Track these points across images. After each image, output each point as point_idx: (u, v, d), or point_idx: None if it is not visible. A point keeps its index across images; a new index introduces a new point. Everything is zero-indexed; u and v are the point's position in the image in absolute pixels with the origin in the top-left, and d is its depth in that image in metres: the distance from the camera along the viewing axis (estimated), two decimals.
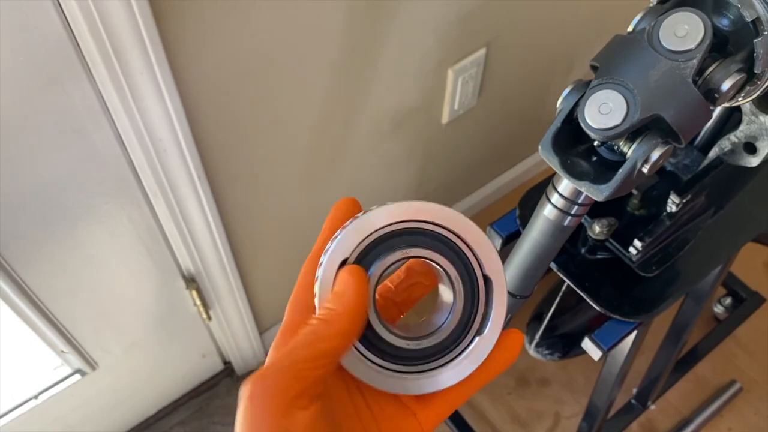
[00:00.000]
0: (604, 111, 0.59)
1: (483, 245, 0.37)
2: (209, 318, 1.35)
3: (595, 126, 0.59)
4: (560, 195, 0.67)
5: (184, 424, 1.57)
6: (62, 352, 1.15)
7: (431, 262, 0.37)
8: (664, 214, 0.85)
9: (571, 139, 0.65)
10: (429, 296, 0.42)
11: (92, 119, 0.88)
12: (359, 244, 0.36)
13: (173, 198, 1.02)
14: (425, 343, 0.36)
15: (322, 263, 0.36)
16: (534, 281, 0.76)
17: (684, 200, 0.80)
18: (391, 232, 0.36)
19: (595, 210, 0.94)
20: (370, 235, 0.36)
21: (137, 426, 1.54)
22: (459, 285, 0.37)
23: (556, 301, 1.11)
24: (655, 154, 0.59)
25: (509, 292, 0.77)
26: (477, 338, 0.37)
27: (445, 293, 0.38)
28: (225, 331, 1.42)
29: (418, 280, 0.40)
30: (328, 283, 0.35)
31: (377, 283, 0.36)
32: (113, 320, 1.20)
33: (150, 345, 1.34)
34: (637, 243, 0.85)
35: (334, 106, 1.15)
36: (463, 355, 0.37)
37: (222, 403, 1.59)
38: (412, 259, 0.36)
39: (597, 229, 0.90)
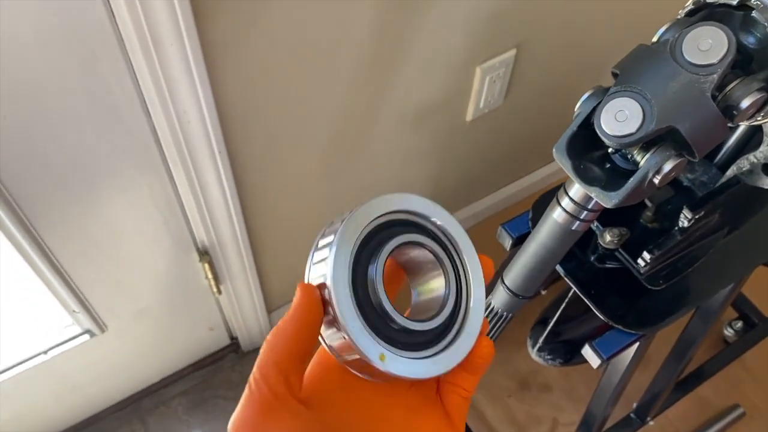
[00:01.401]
0: (620, 118, 0.59)
1: (452, 226, 0.40)
2: (219, 292, 1.37)
3: (609, 132, 0.59)
4: (570, 199, 0.68)
5: (187, 395, 1.59)
6: (74, 311, 1.18)
7: (425, 248, 0.39)
8: (676, 228, 0.85)
9: (586, 144, 0.66)
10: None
11: (121, 88, 0.89)
12: (354, 242, 0.36)
13: (193, 170, 1.04)
14: (437, 321, 0.37)
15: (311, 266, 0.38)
16: (537, 283, 0.77)
17: (697, 216, 0.80)
18: (381, 224, 0.38)
19: (608, 219, 0.94)
20: (366, 227, 0.37)
21: (140, 392, 1.57)
22: (450, 269, 0.39)
23: (562, 307, 1.11)
24: (668, 166, 0.59)
25: (512, 292, 0.78)
26: (470, 315, 0.38)
27: (434, 277, 0.39)
28: (234, 306, 1.44)
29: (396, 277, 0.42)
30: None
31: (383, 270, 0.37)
32: (125, 286, 1.23)
33: (159, 313, 1.36)
34: (646, 255, 0.85)
35: (359, 95, 1.16)
36: (465, 326, 0.38)
37: (225, 377, 1.62)
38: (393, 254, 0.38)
39: (608, 238, 0.90)
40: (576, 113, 0.65)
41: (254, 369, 0.33)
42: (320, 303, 0.35)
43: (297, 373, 0.34)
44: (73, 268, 1.10)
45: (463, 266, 0.40)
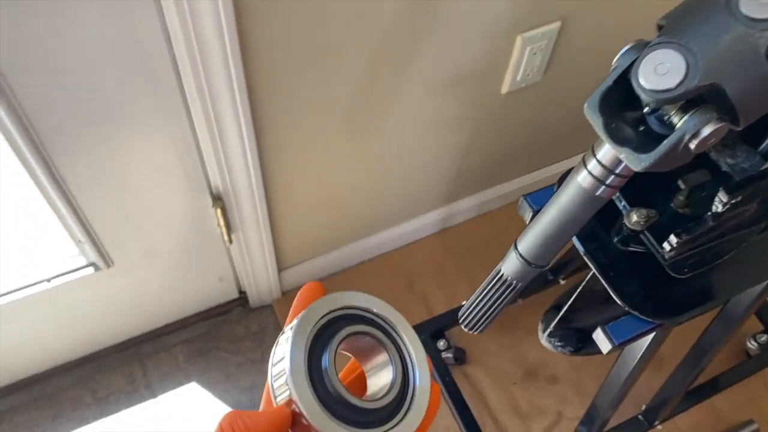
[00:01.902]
0: (660, 71, 0.54)
1: (391, 313, 0.45)
2: (230, 241, 1.34)
3: (647, 86, 0.54)
4: (598, 162, 0.63)
5: (189, 343, 1.58)
6: (79, 241, 1.16)
7: (370, 336, 0.43)
8: (709, 213, 0.79)
9: (621, 102, 0.61)
10: None
11: (144, 15, 0.87)
12: (306, 338, 0.40)
13: (211, 108, 1.01)
14: (387, 399, 0.42)
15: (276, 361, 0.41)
16: (552, 252, 0.72)
17: (733, 200, 0.75)
18: (328, 320, 0.42)
19: (637, 200, 0.88)
20: (315, 325, 0.41)
21: (143, 335, 1.56)
22: (394, 350, 0.43)
23: (577, 291, 1.06)
24: (707, 130, 0.54)
25: (524, 259, 0.73)
26: (417, 389, 0.43)
27: (381, 360, 0.44)
28: (244, 258, 1.42)
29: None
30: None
31: (335, 356, 0.41)
32: (135, 222, 1.21)
33: (168, 256, 1.34)
34: (672, 239, 0.80)
35: (390, 52, 1.11)
36: (414, 403, 0.43)
37: (230, 330, 1.60)
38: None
39: (634, 219, 0.85)
40: (613, 67, 0.60)
41: None
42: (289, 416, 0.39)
43: None
44: (82, 195, 1.08)
45: (405, 347, 0.44)
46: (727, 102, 0.52)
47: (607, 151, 0.62)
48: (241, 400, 1.51)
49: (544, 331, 1.21)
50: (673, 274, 0.83)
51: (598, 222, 0.91)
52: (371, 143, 1.30)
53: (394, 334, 0.44)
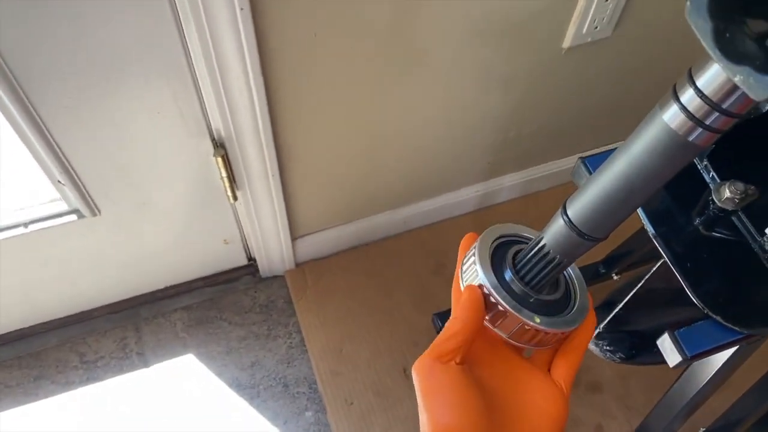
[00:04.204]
0: None
1: None
2: (235, 197, 1.17)
3: None
4: (697, 90, 0.42)
5: (189, 311, 1.43)
6: (58, 182, 1.01)
7: None
8: None
9: (742, 1, 0.41)
10: None
11: None
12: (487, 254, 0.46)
13: (207, 28, 0.84)
14: (559, 293, 0.47)
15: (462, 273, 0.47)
16: (613, 220, 0.52)
17: None
18: (499, 243, 0.48)
19: (733, 170, 0.68)
20: (491, 246, 0.47)
21: (140, 296, 1.41)
22: None
23: (639, 285, 0.86)
24: None
25: (574, 226, 0.53)
26: (578, 301, 0.47)
27: None
28: (252, 220, 1.25)
29: None
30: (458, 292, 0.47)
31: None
32: (122, 166, 1.05)
33: (164, 209, 1.18)
34: None
35: None
36: (578, 300, 0.47)
37: (236, 299, 1.44)
38: None
39: (726, 194, 0.65)
40: None
41: (442, 340, 0.42)
42: (482, 301, 0.45)
43: (464, 352, 0.43)
44: (57, 126, 0.93)
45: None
46: None
47: (713, 75, 0.42)
48: (240, 379, 1.35)
49: None
50: None
51: (674, 198, 0.71)
52: (403, 95, 1.11)
53: None
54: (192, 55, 0.89)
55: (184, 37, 0.87)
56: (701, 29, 0.42)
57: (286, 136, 1.08)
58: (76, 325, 1.40)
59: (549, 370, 0.47)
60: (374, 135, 1.18)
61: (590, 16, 1.08)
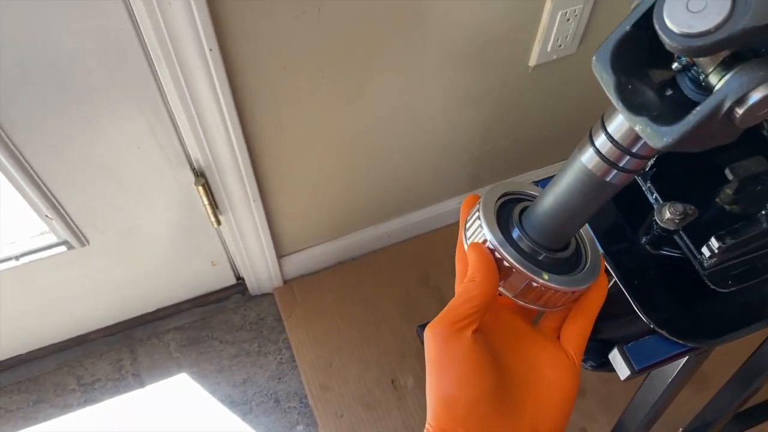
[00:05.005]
0: (694, 7, 0.38)
1: None
2: (218, 222, 1.21)
3: (675, 29, 0.38)
4: (608, 136, 0.46)
5: (181, 331, 1.47)
6: (46, 217, 1.05)
7: None
8: (762, 213, 0.62)
9: (642, 55, 0.45)
10: None
11: None
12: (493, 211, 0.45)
13: (179, 68, 0.88)
14: (569, 251, 0.47)
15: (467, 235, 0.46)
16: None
17: None
18: (503, 201, 0.47)
19: (673, 192, 0.72)
20: (496, 204, 0.46)
21: (134, 319, 1.45)
22: None
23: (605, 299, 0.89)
24: (757, 95, 0.37)
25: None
26: (589, 261, 0.47)
27: None
28: (237, 242, 1.29)
29: None
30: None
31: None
32: (108, 198, 1.09)
33: (151, 236, 1.22)
34: (713, 242, 0.63)
35: (396, 5, 0.96)
36: (589, 260, 0.47)
37: (226, 318, 1.48)
38: None
39: (667, 215, 0.68)
40: (633, 5, 0.44)
41: (459, 303, 0.40)
42: (492, 258, 0.43)
43: (481, 317, 0.41)
44: (42, 166, 0.97)
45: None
46: None
47: (621, 122, 0.46)
48: (232, 395, 1.39)
49: None
50: (713, 287, 0.67)
51: (624, 217, 0.75)
52: (376, 116, 1.15)
53: None
54: (166, 92, 0.93)
55: (158, 76, 0.91)
56: (605, 82, 0.46)
57: (264, 163, 1.12)
58: (72, 348, 1.44)
59: (558, 338, 0.45)
60: (351, 155, 1.22)
61: (553, 35, 1.12)
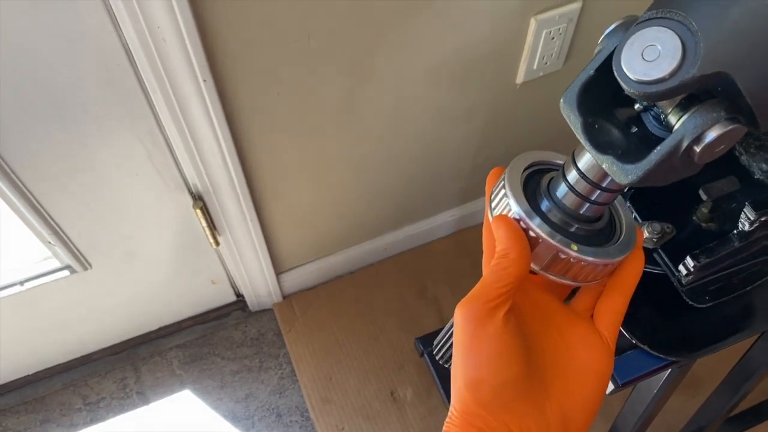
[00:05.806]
0: (648, 57, 0.41)
1: None
2: (217, 243, 1.24)
3: (632, 76, 0.41)
4: (579, 172, 0.49)
5: (184, 348, 1.50)
6: (49, 242, 1.08)
7: None
8: (735, 232, 0.65)
9: (607, 96, 0.47)
10: None
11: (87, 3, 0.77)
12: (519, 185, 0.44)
13: (174, 97, 0.91)
14: (602, 223, 0.44)
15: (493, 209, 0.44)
16: None
17: (762, 218, 0.60)
18: (530, 172, 0.46)
19: (652, 212, 0.74)
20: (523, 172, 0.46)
21: (137, 338, 1.48)
22: None
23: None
24: (712, 134, 0.40)
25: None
26: (624, 233, 0.45)
27: None
28: (236, 261, 1.32)
29: None
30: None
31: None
32: (109, 223, 1.12)
33: (152, 258, 1.25)
34: (689, 261, 0.66)
35: (386, 33, 0.99)
36: (623, 234, 0.45)
37: (227, 335, 1.51)
38: None
39: (645, 234, 0.71)
40: (596, 50, 0.47)
41: (491, 281, 0.39)
42: (520, 228, 0.41)
43: (514, 295, 0.40)
44: (42, 193, 1.00)
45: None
46: (739, 97, 0.39)
47: (589, 160, 0.49)
48: (235, 411, 1.42)
49: None
50: (691, 303, 0.70)
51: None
52: (369, 134, 1.18)
53: None
54: (163, 122, 0.96)
55: (154, 106, 0.94)
56: (573, 123, 0.49)
57: (260, 184, 1.15)
58: (77, 368, 1.47)
59: (592, 317, 0.43)
60: (345, 172, 1.25)
61: (539, 53, 1.15)
